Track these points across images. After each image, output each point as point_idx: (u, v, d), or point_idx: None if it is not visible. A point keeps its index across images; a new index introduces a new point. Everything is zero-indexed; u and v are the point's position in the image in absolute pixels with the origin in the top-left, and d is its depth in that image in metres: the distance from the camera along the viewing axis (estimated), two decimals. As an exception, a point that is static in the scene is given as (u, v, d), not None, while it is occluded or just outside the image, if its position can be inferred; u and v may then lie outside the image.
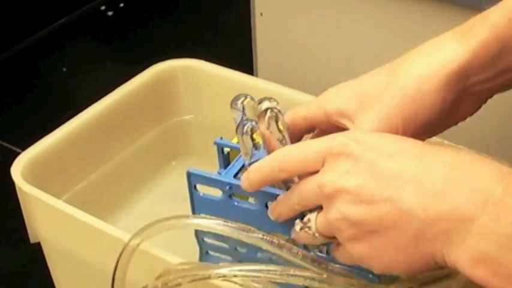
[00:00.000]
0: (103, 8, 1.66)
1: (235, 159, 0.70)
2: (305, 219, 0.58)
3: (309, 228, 0.57)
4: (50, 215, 0.75)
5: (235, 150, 0.70)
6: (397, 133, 0.60)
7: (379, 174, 0.52)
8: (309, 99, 0.82)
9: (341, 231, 0.54)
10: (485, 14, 0.60)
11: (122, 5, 1.67)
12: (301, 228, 0.57)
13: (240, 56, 1.15)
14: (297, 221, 0.58)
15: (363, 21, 0.97)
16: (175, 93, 0.90)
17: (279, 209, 0.61)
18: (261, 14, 1.07)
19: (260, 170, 0.60)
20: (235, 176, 0.68)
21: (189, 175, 0.67)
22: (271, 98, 0.66)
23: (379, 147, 0.54)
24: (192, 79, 0.89)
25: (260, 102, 0.65)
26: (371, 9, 0.95)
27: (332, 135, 0.57)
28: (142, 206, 0.87)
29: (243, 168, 0.68)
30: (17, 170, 0.76)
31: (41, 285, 0.94)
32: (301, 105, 0.67)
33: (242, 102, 0.67)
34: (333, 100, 0.64)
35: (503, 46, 0.59)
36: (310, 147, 0.57)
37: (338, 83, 0.99)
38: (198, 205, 0.68)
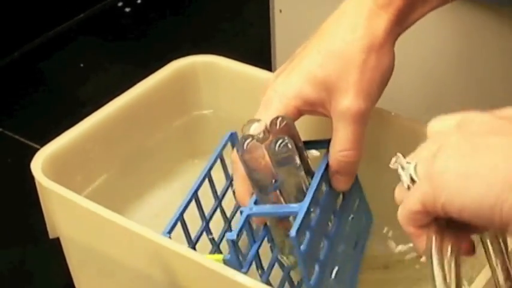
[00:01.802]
0: (120, 4, 1.67)
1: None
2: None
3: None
4: (69, 209, 0.75)
5: None
6: (376, 96, 0.69)
7: None
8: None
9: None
10: None
11: (139, 1, 1.67)
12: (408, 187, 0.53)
13: (257, 52, 1.15)
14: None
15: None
16: (195, 89, 0.90)
17: None
18: (280, 11, 1.07)
19: None
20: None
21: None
22: (258, 120, 0.68)
23: None
24: (212, 75, 0.89)
25: (246, 126, 0.68)
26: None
27: None
28: (163, 201, 0.87)
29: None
30: (37, 165, 0.76)
31: (59, 281, 0.94)
32: (260, 115, 0.70)
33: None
34: (299, 95, 0.69)
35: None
36: None
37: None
38: None
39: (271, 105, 0.70)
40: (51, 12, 1.58)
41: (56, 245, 0.80)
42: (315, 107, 0.70)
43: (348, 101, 0.68)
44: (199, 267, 0.65)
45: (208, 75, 0.89)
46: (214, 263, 0.65)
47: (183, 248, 0.67)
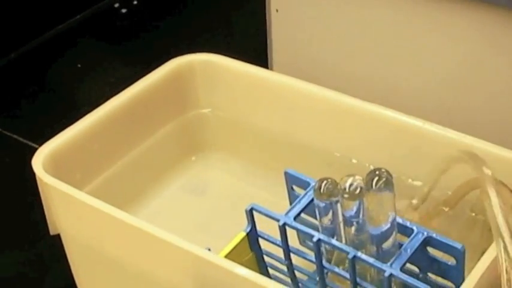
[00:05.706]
0: (116, 5, 1.67)
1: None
2: None
3: None
4: (70, 205, 0.75)
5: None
6: None
7: None
8: (325, 93, 0.84)
9: None
10: None
11: (135, 2, 1.68)
12: None
13: (253, 52, 1.16)
14: None
15: (378, 16, 0.98)
16: (194, 87, 0.90)
17: None
18: (277, 11, 1.07)
19: None
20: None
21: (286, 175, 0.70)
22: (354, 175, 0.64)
23: None
24: (210, 73, 0.90)
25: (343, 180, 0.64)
26: (387, 4, 0.96)
27: None
28: (162, 198, 0.88)
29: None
30: (38, 162, 0.77)
31: (60, 279, 0.95)
32: None
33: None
34: None
35: None
36: None
37: (355, 79, 1.00)
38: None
39: None
40: (49, 13, 1.59)
41: (56, 244, 0.81)
42: None
43: None
44: (202, 261, 0.66)
45: (206, 73, 0.90)
46: (219, 259, 0.65)
47: (185, 244, 0.67)
